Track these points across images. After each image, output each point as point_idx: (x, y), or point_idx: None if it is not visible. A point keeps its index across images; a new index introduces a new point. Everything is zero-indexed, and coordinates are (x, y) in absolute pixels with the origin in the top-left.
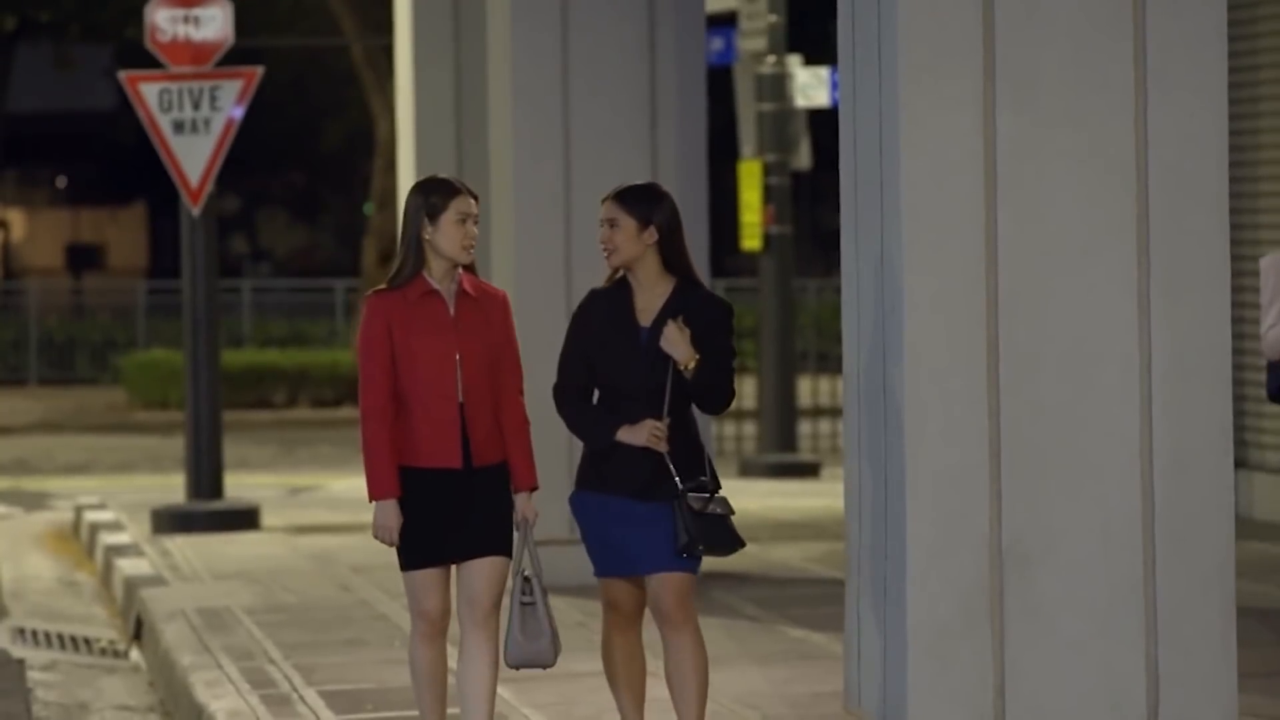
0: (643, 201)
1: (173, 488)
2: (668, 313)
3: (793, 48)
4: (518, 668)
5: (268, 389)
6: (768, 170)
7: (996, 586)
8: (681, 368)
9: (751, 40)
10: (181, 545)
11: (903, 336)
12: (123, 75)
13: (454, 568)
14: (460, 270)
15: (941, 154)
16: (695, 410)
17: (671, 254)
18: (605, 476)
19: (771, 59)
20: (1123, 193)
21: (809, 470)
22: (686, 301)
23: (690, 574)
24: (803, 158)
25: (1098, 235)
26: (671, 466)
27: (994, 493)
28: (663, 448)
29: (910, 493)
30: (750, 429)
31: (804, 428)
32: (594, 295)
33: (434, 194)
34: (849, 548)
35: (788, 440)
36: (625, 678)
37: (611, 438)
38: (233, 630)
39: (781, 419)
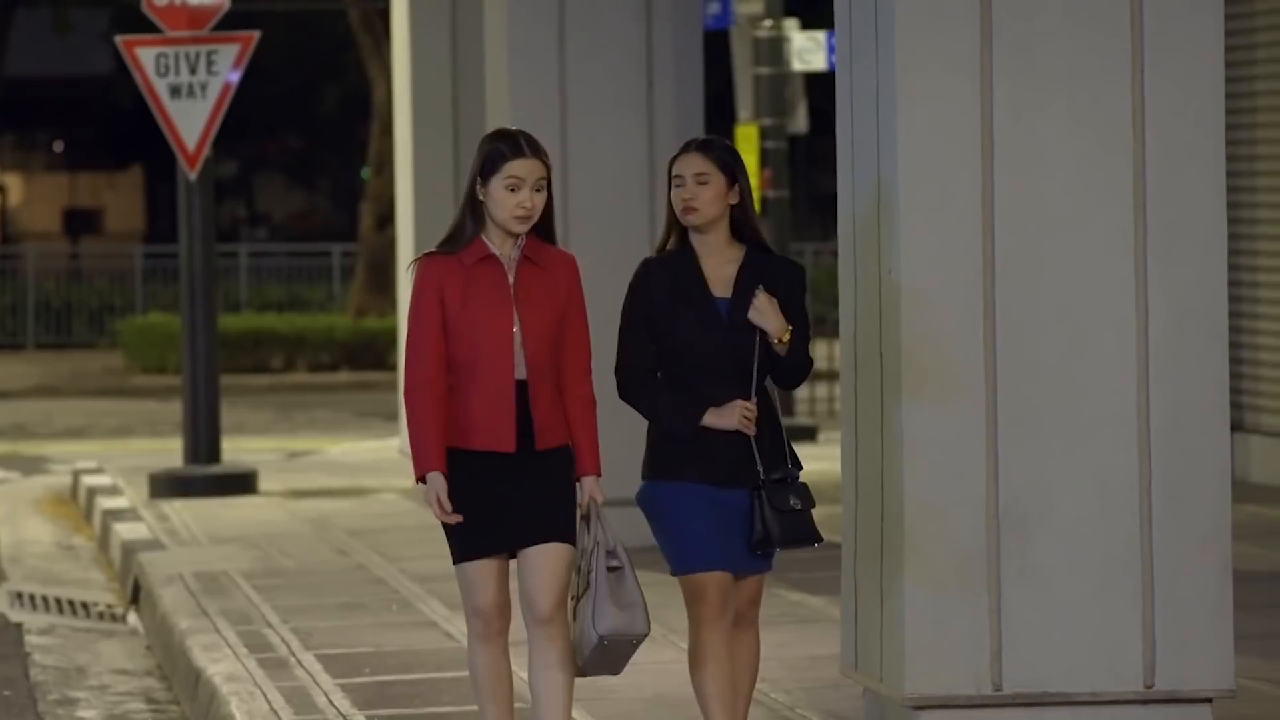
0: (730, 156)
1: (170, 452)
2: (746, 281)
3: (789, 11)
4: (608, 638)
5: (265, 353)
6: (764, 134)
7: (994, 549)
8: (774, 340)
9: (748, 4)
10: (179, 509)
11: (899, 300)
12: (119, 39)
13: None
14: (525, 235)
15: (938, 117)
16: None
17: (745, 217)
18: (686, 464)
19: (768, 23)
20: (1119, 155)
21: (806, 434)
22: (760, 268)
23: (767, 574)
24: (799, 121)
25: (1094, 197)
26: (757, 453)
27: (991, 455)
28: (752, 430)
29: (907, 455)
30: None
31: (800, 391)
32: (651, 265)
33: (490, 152)
34: (845, 511)
35: (785, 404)
36: (716, 685)
37: (698, 423)
38: (230, 594)
39: None
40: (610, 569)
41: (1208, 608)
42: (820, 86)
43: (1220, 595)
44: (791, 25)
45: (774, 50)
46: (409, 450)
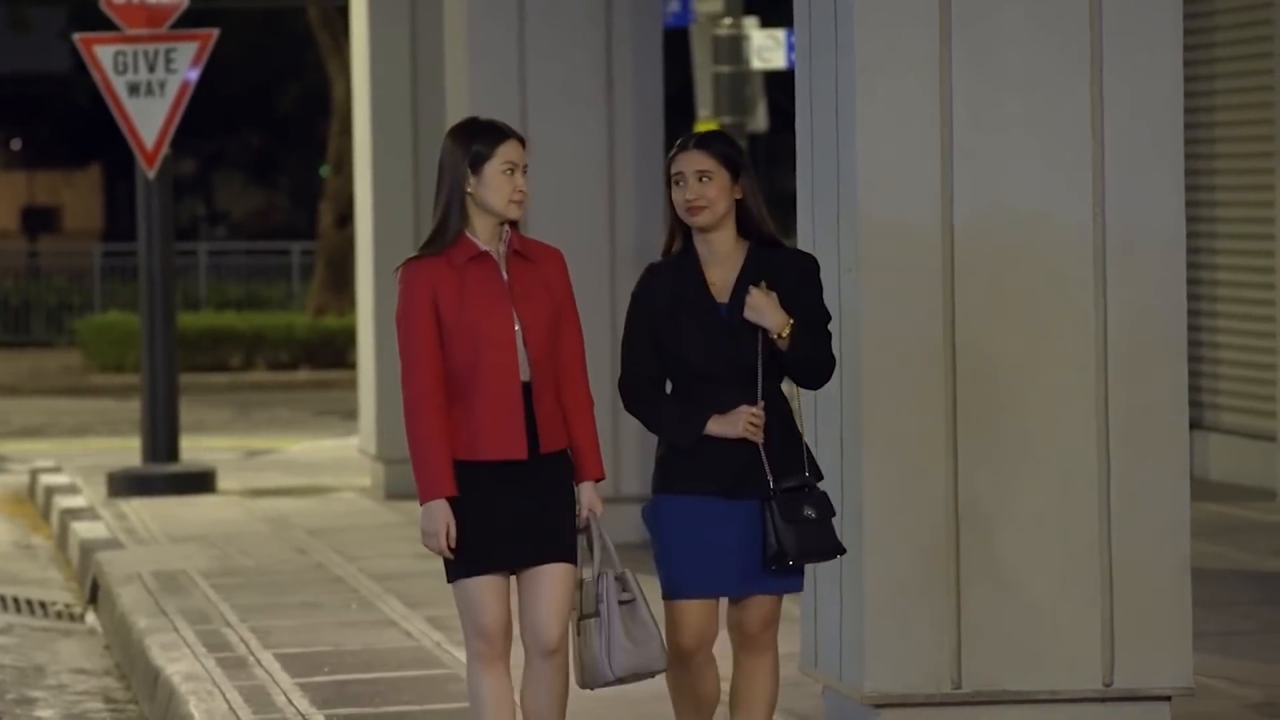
0: (732, 149)
1: (129, 451)
2: (745, 281)
3: (749, 10)
4: (624, 679)
5: (224, 352)
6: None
7: (954, 547)
8: (774, 337)
9: (708, 2)
10: (137, 508)
11: (858, 298)
12: (78, 37)
13: (512, 579)
14: (508, 228)
15: (897, 116)
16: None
17: (750, 212)
18: (689, 475)
19: (728, 21)
20: (1079, 154)
21: None
22: (765, 263)
23: (781, 596)
24: (759, 120)
25: (1054, 196)
26: (765, 461)
27: (951, 454)
28: (759, 438)
29: (867, 453)
30: None
31: None
32: (654, 270)
33: (477, 140)
34: None
35: None
36: (696, 710)
37: (700, 432)
38: (189, 593)
39: None
40: (622, 602)
41: (1167, 606)
42: (780, 84)
43: (1179, 593)
44: (751, 23)
45: (734, 48)
46: (370, 449)
